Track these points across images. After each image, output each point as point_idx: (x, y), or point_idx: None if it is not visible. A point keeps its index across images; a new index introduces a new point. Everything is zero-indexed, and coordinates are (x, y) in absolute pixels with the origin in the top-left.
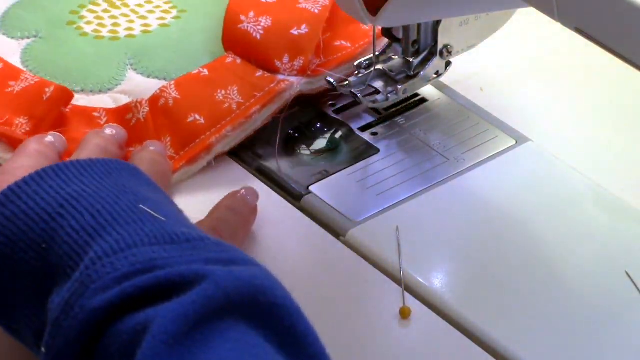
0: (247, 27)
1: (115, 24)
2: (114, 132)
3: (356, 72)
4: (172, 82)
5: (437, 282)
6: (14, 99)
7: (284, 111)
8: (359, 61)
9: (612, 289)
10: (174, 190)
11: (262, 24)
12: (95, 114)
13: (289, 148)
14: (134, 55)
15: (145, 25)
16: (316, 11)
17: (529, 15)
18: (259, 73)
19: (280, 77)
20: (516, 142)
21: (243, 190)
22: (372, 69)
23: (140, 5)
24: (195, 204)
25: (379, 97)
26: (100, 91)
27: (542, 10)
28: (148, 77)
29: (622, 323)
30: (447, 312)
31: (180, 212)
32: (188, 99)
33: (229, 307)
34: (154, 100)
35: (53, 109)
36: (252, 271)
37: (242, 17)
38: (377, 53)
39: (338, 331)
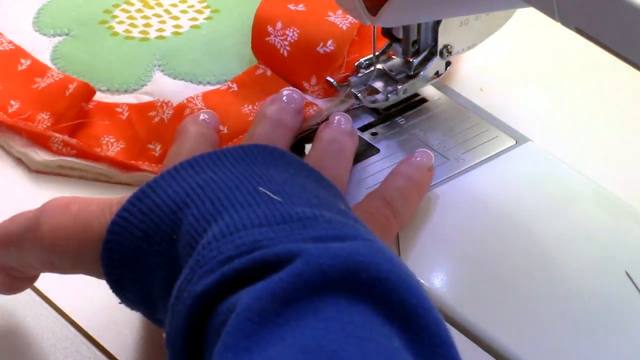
0: (274, 41)
1: (147, 25)
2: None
3: (356, 72)
4: (200, 94)
5: (437, 282)
6: (39, 95)
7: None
8: (359, 61)
9: (612, 289)
10: None
11: (289, 38)
12: (118, 110)
13: (291, 149)
14: (163, 57)
15: (177, 26)
16: (344, 27)
17: (529, 15)
18: (331, 79)
19: (308, 97)
20: (516, 142)
21: (418, 156)
22: (372, 69)
23: (174, 5)
24: None
25: (379, 97)
26: (126, 91)
27: (542, 11)
28: (175, 78)
29: (622, 323)
30: (447, 312)
31: (315, 189)
32: (213, 110)
33: (327, 283)
34: (179, 108)
35: (74, 105)
36: (354, 247)
37: (270, 29)
38: (377, 53)
39: None
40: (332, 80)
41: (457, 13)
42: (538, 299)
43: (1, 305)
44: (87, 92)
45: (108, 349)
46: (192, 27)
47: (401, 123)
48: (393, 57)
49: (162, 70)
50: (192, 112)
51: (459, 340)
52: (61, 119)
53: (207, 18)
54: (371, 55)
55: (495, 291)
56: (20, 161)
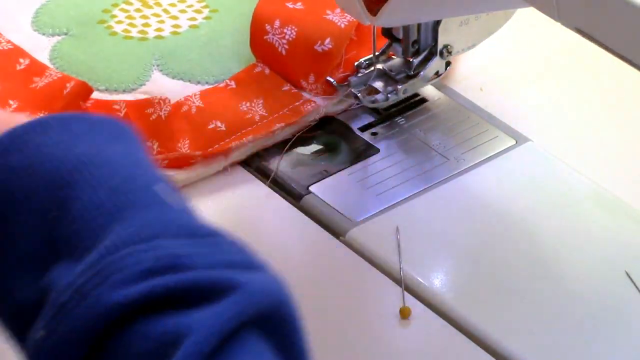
0: (273, 39)
1: (145, 24)
2: None
3: (356, 72)
4: (198, 93)
5: (437, 282)
6: (37, 94)
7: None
8: (359, 61)
9: (612, 289)
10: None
11: (287, 37)
12: (115, 106)
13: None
14: (161, 56)
15: (175, 26)
16: (342, 25)
17: (529, 15)
18: (286, 87)
19: (306, 95)
20: (516, 142)
21: None
22: (372, 68)
23: (172, 5)
24: (194, 203)
25: (379, 97)
26: (124, 91)
27: (542, 11)
28: (173, 78)
29: (622, 323)
30: (447, 312)
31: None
32: (211, 107)
33: (255, 319)
34: (176, 106)
35: (72, 103)
36: (274, 282)
37: (268, 27)
38: (377, 53)
39: (338, 331)
40: (332, 80)
41: (457, 13)
42: (538, 299)
43: None
44: (85, 90)
45: None
46: (190, 26)
47: (401, 123)
48: (393, 57)
49: (161, 70)
50: (189, 110)
51: (459, 340)
52: None
53: (206, 18)
54: (371, 55)
55: (495, 291)
56: None
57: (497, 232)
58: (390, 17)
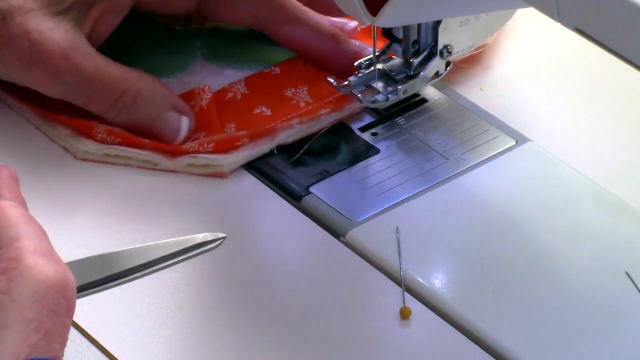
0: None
1: (187, 19)
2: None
3: (356, 72)
4: (242, 80)
5: (437, 282)
6: None
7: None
8: (359, 61)
9: (612, 289)
10: (176, 182)
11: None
12: None
13: (289, 148)
14: (205, 45)
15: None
16: None
17: (529, 15)
18: (330, 78)
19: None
20: (516, 142)
21: None
22: (372, 69)
23: None
24: (194, 203)
25: (379, 97)
26: (169, 77)
27: (542, 11)
28: (218, 65)
29: (622, 323)
30: (447, 312)
31: None
32: (256, 93)
33: None
34: (221, 93)
35: None
36: None
37: None
38: (377, 53)
39: (338, 331)
40: (332, 80)
41: (457, 13)
42: (538, 299)
43: None
44: None
45: (108, 349)
46: None
47: (401, 123)
48: (393, 57)
49: (205, 56)
50: (234, 97)
51: (459, 340)
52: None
53: None
54: (371, 55)
55: (495, 291)
56: (65, 149)
57: (497, 232)
58: (390, 17)
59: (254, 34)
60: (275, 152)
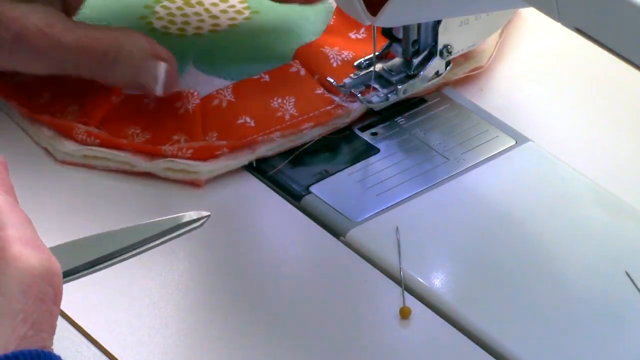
0: (329, 52)
1: (185, 22)
2: None
3: (356, 72)
4: (230, 86)
5: (437, 282)
6: (71, 85)
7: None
8: (359, 61)
9: (612, 289)
10: (174, 183)
11: (344, 56)
12: (145, 101)
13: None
14: (198, 53)
15: (215, 25)
16: None
17: (529, 16)
18: (319, 91)
19: (338, 100)
20: (516, 142)
21: None
22: (372, 68)
23: (214, 5)
24: (194, 202)
25: (378, 97)
26: None
27: (542, 11)
28: (208, 74)
29: (622, 323)
30: (447, 312)
31: None
32: (242, 102)
33: None
34: (207, 99)
35: (103, 97)
36: None
37: (327, 48)
38: (377, 53)
39: (338, 331)
40: (332, 80)
41: (457, 13)
42: (538, 299)
43: None
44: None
45: (108, 349)
46: (230, 25)
47: (401, 123)
48: (393, 57)
49: (196, 66)
50: (220, 104)
51: (459, 340)
52: (90, 112)
53: (246, 18)
54: (371, 55)
55: (495, 291)
56: (48, 152)
57: (497, 232)
58: (390, 17)
59: (247, 45)
60: (255, 165)
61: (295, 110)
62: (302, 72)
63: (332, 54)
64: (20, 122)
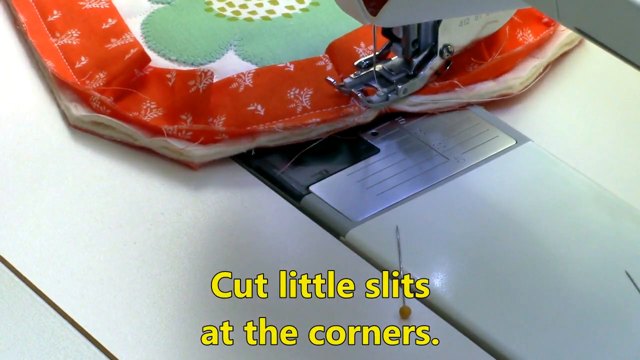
0: (360, 51)
1: (242, 6)
2: None
3: (356, 72)
4: (253, 71)
5: (437, 282)
6: (106, 54)
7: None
8: (359, 61)
9: (612, 289)
10: (173, 183)
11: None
12: (168, 75)
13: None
14: (242, 38)
15: (270, 11)
16: None
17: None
18: (331, 79)
19: (354, 101)
20: (516, 142)
21: None
22: (372, 68)
23: None
24: (195, 202)
25: (378, 96)
26: (192, 64)
27: (542, 10)
28: (243, 59)
29: (622, 323)
30: (447, 312)
31: None
32: (259, 89)
33: None
34: (226, 82)
35: (128, 68)
36: None
37: (359, 47)
38: (377, 53)
39: (338, 331)
40: (332, 80)
41: (457, 13)
42: (538, 299)
43: (1, 305)
44: (143, 59)
45: (108, 348)
46: (284, 14)
47: (401, 123)
48: (393, 57)
49: (235, 51)
50: (237, 88)
51: (459, 340)
52: (113, 81)
53: (303, 9)
54: (371, 55)
55: (495, 291)
56: (63, 114)
57: (497, 232)
58: (390, 17)
59: (292, 35)
60: (253, 152)
61: (309, 104)
62: (329, 66)
63: (362, 52)
64: (50, 83)
